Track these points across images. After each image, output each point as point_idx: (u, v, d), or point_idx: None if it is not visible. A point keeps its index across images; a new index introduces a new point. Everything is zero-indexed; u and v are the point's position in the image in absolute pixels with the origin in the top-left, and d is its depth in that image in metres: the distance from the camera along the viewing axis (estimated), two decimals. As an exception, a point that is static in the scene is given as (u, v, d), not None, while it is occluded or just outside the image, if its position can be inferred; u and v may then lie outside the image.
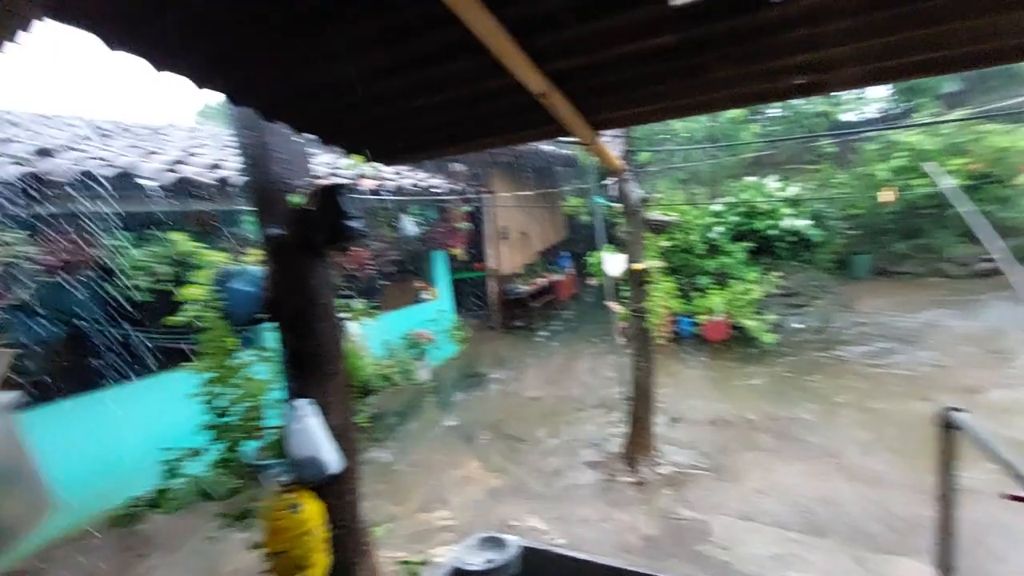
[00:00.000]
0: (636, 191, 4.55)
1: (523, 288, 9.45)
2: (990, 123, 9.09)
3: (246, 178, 2.37)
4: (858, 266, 9.62)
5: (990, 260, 8.74)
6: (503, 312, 9.65)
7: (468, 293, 10.01)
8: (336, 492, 2.38)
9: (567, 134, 1.92)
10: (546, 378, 7.39)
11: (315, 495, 2.28)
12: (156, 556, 3.91)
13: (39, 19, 1.66)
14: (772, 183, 8.88)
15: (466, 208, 8.08)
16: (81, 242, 3.53)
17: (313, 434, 2.17)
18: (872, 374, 6.18)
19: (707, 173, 10.09)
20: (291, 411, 2.21)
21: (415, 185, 6.93)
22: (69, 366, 4.26)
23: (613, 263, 4.91)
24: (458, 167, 9.01)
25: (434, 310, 7.71)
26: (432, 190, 7.28)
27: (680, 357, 7.40)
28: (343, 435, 2.39)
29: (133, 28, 1.35)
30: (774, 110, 11.67)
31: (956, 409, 1.52)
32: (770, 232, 8.20)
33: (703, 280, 7.85)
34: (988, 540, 3.21)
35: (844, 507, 3.82)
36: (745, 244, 8.09)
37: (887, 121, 12.97)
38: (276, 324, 2.38)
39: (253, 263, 2.59)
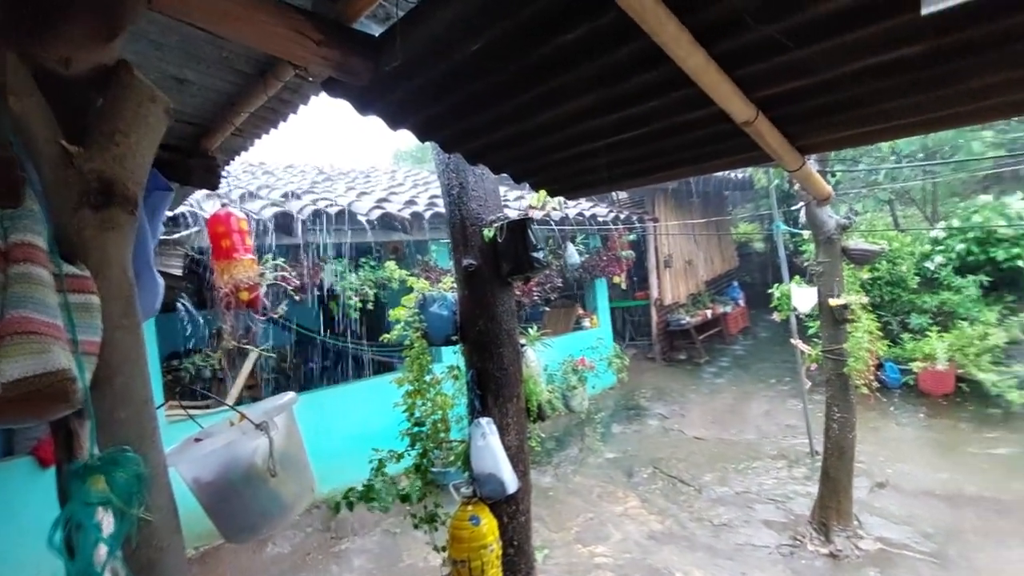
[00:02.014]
0: (832, 216, 4.03)
1: (687, 319, 8.92)
2: None
3: (445, 214, 2.66)
4: None
5: None
6: (664, 343, 9.22)
7: (628, 322, 9.80)
8: (510, 511, 2.48)
9: (770, 160, 1.79)
10: (713, 418, 6.83)
11: (491, 511, 2.40)
12: (348, 541, 4.48)
13: (317, 95, 2.11)
14: (1017, 203, 7.11)
15: (629, 236, 7.98)
16: (315, 268, 4.31)
17: (495, 452, 2.30)
18: None
19: (921, 192, 8.50)
20: (475, 428, 2.38)
21: (579, 214, 7.07)
22: (297, 368, 5.19)
23: (802, 297, 4.39)
24: (622, 194, 8.97)
25: (594, 338, 7.68)
26: (596, 218, 7.35)
27: (887, 411, 6.24)
28: (518, 456, 2.49)
29: (381, 96, 1.63)
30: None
31: None
32: (1016, 263, 6.55)
33: (918, 320, 6.56)
34: None
35: None
36: (978, 277, 6.57)
37: None
38: (463, 346, 2.60)
39: (446, 290, 2.88)
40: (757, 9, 1.22)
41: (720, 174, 9.17)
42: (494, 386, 2.44)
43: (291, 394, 1.47)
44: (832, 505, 4.06)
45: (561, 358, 6.96)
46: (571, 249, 6.71)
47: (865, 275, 6.76)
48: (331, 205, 4.90)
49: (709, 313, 9.41)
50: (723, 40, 1.29)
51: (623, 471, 5.49)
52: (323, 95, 1.83)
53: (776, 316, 5.45)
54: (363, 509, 3.23)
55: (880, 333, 6.62)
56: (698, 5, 1.21)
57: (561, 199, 7.27)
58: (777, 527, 4.25)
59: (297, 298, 3.93)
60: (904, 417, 6.07)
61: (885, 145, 8.12)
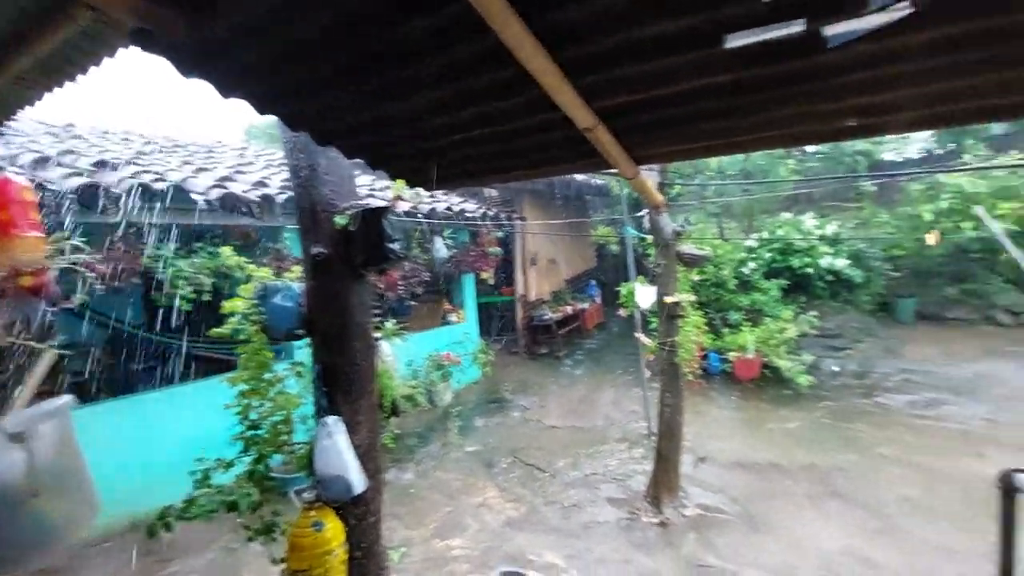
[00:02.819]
0: (669, 224, 4.52)
1: (549, 315, 9.41)
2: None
3: (293, 197, 2.45)
4: (902, 310, 9.24)
5: (1044, 310, 8.30)
6: (528, 338, 9.60)
7: (494, 317, 10.02)
8: (359, 513, 2.37)
9: (610, 167, 1.93)
10: (569, 408, 7.28)
11: (337, 514, 2.27)
12: (178, 563, 3.95)
13: (125, 47, 1.80)
14: (809, 220, 8.69)
15: (497, 233, 8.16)
16: (132, 251, 3.70)
17: (341, 452, 2.18)
18: (920, 426, 5.87)
19: (741, 208, 9.96)
20: (321, 428, 2.23)
21: (448, 208, 7.05)
22: (111, 369, 4.41)
23: (644, 295, 4.86)
24: (492, 192, 9.14)
25: (460, 333, 7.73)
26: (465, 214, 7.39)
27: (709, 395, 7.19)
28: (369, 455, 2.39)
29: (208, 59, 1.43)
30: (811, 147, 11.53)
31: (1020, 470, 1.42)
32: (807, 270, 7.99)
33: (735, 316, 7.68)
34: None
35: (884, 572, 3.59)
36: (779, 282, 7.90)
37: (930, 162, 12.62)
38: (312, 340, 2.42)
39: (293, 279, 2.65)
40: (593, 23, 1.30)
41: (581, 180, 9.80)
42: (344, 382, 2.31)
43: (65, 398, 1.22)
44: (663, 480, 4.57)
45: (427, 353, 6.88)
46: (439, 243, 6.66)
47: (696, 277, 7.72)
48: (158, 180, 4.26)
49: (569, 309, 10.02)
50: (567, 48, 1.36)
51: (484, 463, 5.60)
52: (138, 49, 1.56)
53: (623, 312, 5.99)
54: (199, 527, 2.86)
55: (706, 327, 7.63)
56: (544, 10, 1.25)
57: (433, 191, 7.16)
58: (619, 504, 4.66)
59: (103, 286, 3.34)
60: (722, 400, 7.05)
61: (713, 164, 9.36)
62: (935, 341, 8.18)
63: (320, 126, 1.92)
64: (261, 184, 5.18)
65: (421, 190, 3.99)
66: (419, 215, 6.01)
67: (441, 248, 6.63)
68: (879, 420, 6.01)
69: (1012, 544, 1.39)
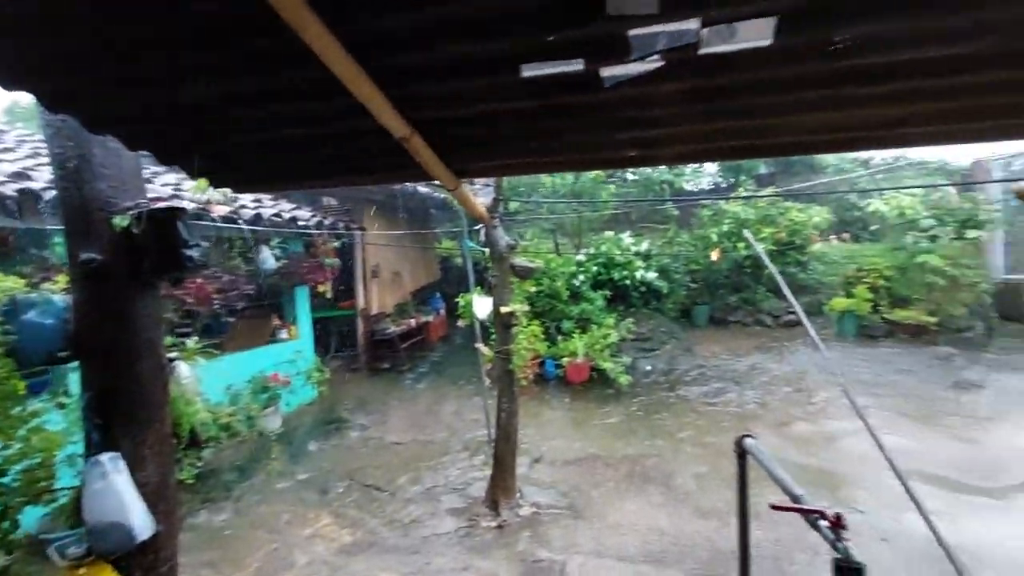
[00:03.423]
0: (503, 238, 4.77)
1: (392, 329, 9.20)
2: (791, 201, 11.19)
3: (58, 193, 2.05)
4: (698, 315, 10.97)
5: (794, 313, 10.52)
6: (370, 353, 9.26)
7: (333, 333, 9.47)
8: (147, 563, 2.04)
9: (430, 178, 1.97)
10: (411, 422, 7.18)
11: (118, 568, 1.92)
12: None
13: None
14: (627, 238, 9.89)
15: (335, 243, 7.75)
16: None
17: (119, 494, 1.85)
18: (709, 412, 6.97)
19: (572, 225, 10.94)
20: (92, 468, 1.87)
21: (276, 215, 6.51)
22: None
23: (481, 305, 5.03)
24: (331, 201, 8.68)
25: (292, 351, 7.14)
26: (297, 222, 6.89)
27: (544, 399, 7.68)
28: (159, 494, 2.07)
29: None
30: (630, 174, 13.19)
31: (747, 436, 1.79)
32: (625, 282, 9.05)
33: (568, 324, 8.35)
34: (793, 555, 3.74)
35: (683, 537, 4.18)
36: (604, 292, 8.82)
37: (717, 193, 15.30)
38: (82, 363, 2.03)
39: (57, 291, 2.20)
40: (402, 37, 1.33)
41: (425, 192, 9.82)
42: (125, 410, 1.97)
43: None
44: (500, 484, 4.74)
45: (250, 374, 6.21)
46: (266, 253, 6.09)
47: (532, 288, 8.25)
48: None
49: (414, 322, 9.91)
50: (377, 57, 1.36)
51: (317, 490, 5.22)
52: None
53: (461, 323, 6.13)
54: None
55: (543, 336, 8.16)
56: (348, 16, 1.24)
57: (241, 192, 6.52)
58: (458, 513, 4.70)
59: None
60: (556, 403, 7.59)
61: (548, 184, 10.14)
62: (721, 341, 9.86)
63: (91, 109, 1.64)
64: (22, 176, 4.22)
65: (231, 192, 3.63)
66: (239, 220, 5.43)
67: (268, 258, 6.08)
68: (679, 409, 7.02)
69: (746, 494, 1.73)
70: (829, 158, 16.42)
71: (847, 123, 1.59)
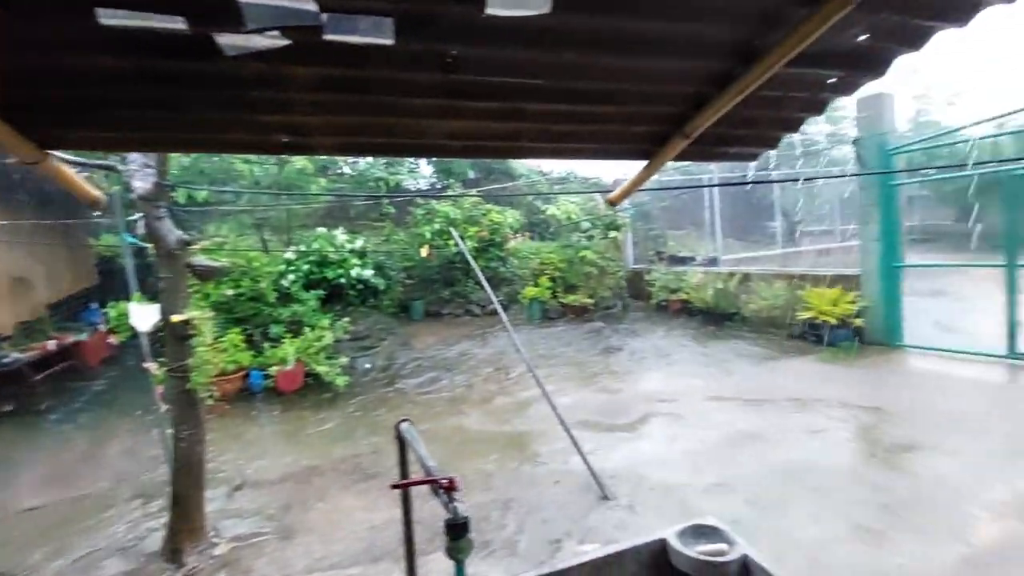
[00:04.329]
0: (173, 231, 3.96)
1: (15, 357, 6.74)
2: (491, 203, 12.67)
3: None
4: (415, 310, 11.42)
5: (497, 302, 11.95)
6: (-23, 393, 6.61)
7: None
8: None
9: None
10: (56, 476, 5.44)
11: None
12: None
13: None
14: (341, 235, 9.57)
15: None
16: None
17: None
18: (424, 400, 7.32)
19: (280, 221, 9.99)
20: None
21: None
22: None
23: (143, 315, 4.09)
24: None
25: None
26: None
27: (250, 415, 6.83)
28: None
29: None
30: (347, 168, 12.81)
31: (403, 420, 1.89)
32: (341, 280, 8.74)
33: (276, 329, 7.58)
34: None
35: (395, 525, 4.25)
36: (317, 292, 8.33)
37: (435, 192, 16.21)
38: None
39: None
40: None
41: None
42: None
43: None
44: (184, 527, 3.96)
45: None
46: None
47: (230, 292, 7.21)
48: None
49: (53, 344, 7.47)
50: None
51: None
52: None
53: (114, 339, 4.88)
54: None
55: (246, 344, 7.22)
56: None
57: None
58: (121, 578, 3.75)
59: None
60: (264, 417, 6.83)
61: (247, 173, 8.99)
62: (435, 332, 10.52)
63: None
64: None
65: None
66: None
67: None
68: (397, 402, 7.19)
69: (407, 474, 1.83)
70: (520, 167, 19.33)
71: (473, 132, 1.81)
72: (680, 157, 2.06)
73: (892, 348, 7.82)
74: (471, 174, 19.51)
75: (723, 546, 1.50)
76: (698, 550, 1.50)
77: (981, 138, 7.53)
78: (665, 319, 11.36)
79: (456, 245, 10.47)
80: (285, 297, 8.04)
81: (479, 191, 11.45)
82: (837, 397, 6.13)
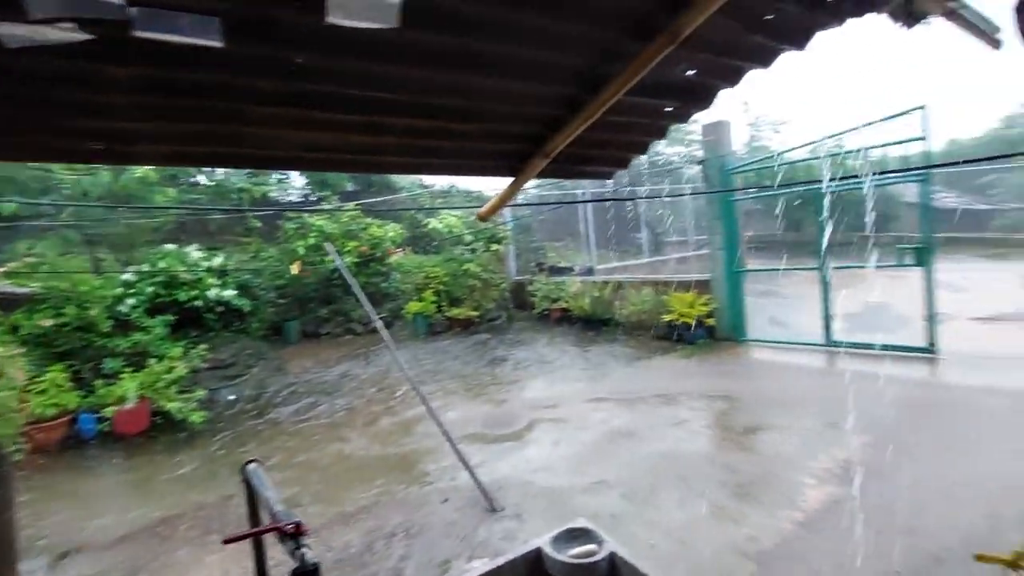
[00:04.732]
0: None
1: None
2: (371, 217, 12.25)
3: None
4: (289, 331, 10.60)
5: (380, 318, 11.53)
6: None
7: None
8: None
9: None
10: None
11: None
12: None
13: None
14: (195, 252, 8.58)
15: None
16: None
17: None
18: (300, 429, 6.78)
19: (118, 237, 8.70)
20: None
21: None
22: None
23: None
24: None
25: None
26: None
27: (83, 466, 5.80)
28: None
29: None
30: (203, 178, 11.56)
31: (251, 461, 1.74)
32: (196, 303, 7.83)
33: (112, 364, 6.54)
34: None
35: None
36: (166, 317, 7.36)
37: (308, 205, 15.27)
38: None
39: None
40: None
41: None
42: None
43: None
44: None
45: None
46: None
47: (48, 322, 6.09)
48: None
49: None
50: None
51: None
52: None
53: None
54: None
55: (72, 384, 6.15)
56: None
57: None
58: None
59: None
60: (103, 467, 5.84)
61: (67, 182, 7.72)
62: (313, 354, 9.86)
63: None
64: None
65: None
66: None
67: None
68: (269, 435, 6.58)
69: (259, 520, 1.66)
70: (403, 180, 18.98)
71: (330, 144, 1.73)
72: (542, 175, 2.15)
73: (738, 343, 8.90)
74: (349, 186, 18.74)
75: (593, 547, 1.57)
76: (570, 554, 1.55)
77: (793, 162, 8.95)
78: (548, 327, 11.81)
79: (333, 261, 9.95)
80: (124, 325, 6.98)
81: (358, 204, 11.01)
82: (696, 389, 6.81)
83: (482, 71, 1.49)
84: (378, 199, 14.15)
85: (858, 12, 1.53)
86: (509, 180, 2.19)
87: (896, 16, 1.59)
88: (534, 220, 16.73)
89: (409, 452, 5.78)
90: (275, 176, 15.83)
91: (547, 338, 10.86)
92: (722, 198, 9.02)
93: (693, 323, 9.00)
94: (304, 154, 1.87)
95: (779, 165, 8.65)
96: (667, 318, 9.33)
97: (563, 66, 1.62)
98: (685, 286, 9.70)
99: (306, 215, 11.43)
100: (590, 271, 13.48)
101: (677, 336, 9.21)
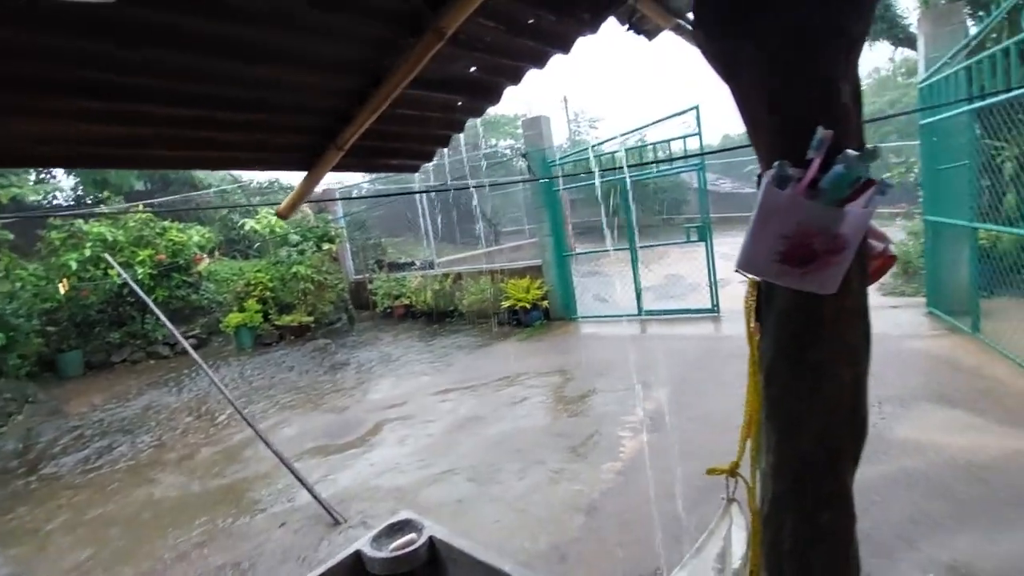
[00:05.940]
0: None
1: None
2: (170, 220, 10.59)
3: None
4: (68, 364, 8.71)
5: (192, 336, 10.11)
6: None
7: None
8: None
9: None
10: None
11: None
12: None
13: None
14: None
15: None
16: None
17: None
18: (92, 480, 5.65)
19: None
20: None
21: None
22: None
23: None
24: None
25: None
26: None
27: None
28: None
29: None
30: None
31: None
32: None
33: None
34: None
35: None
36: None
37: (82, 208, 12.63)
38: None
39: None
40: None
41: None
42: None
43: None
44: None
45: None
46: None
47: None
48: None
49: None
50: None
51: None
52: None
53: None
54: None
55: None
56: None
57: None
58: None
59: None
60: None
61: None
62: (104, 388, 8.27)
63: None
64: None
65: None
66: None
67: None
68: (45, 494, 5.37)
69: None
70: (209, 176, 16.73)
71: (72, 135, 1.46)
72: (339, 168, 2.07)
73: (570, 321, 9.71)
74: (138, 185, 15.97)
75: (412, 536, 1.59)
76: (391, 547, 1.55)
77: (604, 154, 9.99)
78: (391, 325, 11.54)
79: (119, 275, 8.41)
80: None
81: (147, 205, 9.43)
82: (534, 368, 7.28)
83: (255, 60, 1.39)
84: (176, 197, 12.30)
85: (594, 26, 1.76)
86: (303, 174, 2.07)
87: (634, 29, 1.87)
88: (369, 216, 16.14)
89: (237, 481, 5.20)
90: (31, 173, 12.80)
91: (391, 336, 10.62)
92: (545, 188, 9.70)
93: (529, 307, 9.58)
94: (36, 147, 1.54)
95: (594, 157, 9.55)
96: (506, 304, 9.77)
97: (342, 58, 1.58)
98: (520, 273, 10.25)
99: (80, 221, 9.45)
100: (431, 265, 13.49)
101: (516, 321, 9.71)
